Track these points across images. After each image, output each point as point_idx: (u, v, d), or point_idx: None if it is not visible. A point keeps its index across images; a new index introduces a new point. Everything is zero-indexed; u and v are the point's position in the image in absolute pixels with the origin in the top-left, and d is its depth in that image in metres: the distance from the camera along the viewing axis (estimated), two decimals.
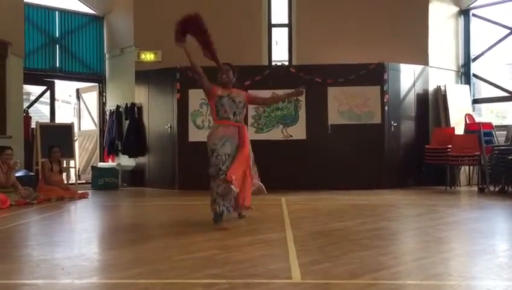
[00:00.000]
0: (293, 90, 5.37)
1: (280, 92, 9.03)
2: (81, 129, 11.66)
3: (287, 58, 10.27)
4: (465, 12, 10.47)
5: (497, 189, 8.16)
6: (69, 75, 11.04)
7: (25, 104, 10.15)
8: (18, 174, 7.88)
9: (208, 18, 10.27)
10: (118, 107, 10.42)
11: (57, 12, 10.76)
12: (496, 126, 9.41)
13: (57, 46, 10.79)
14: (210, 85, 5.18)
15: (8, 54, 8.59)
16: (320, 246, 3.98)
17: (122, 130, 10.30)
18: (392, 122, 9.17)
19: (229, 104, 5.06)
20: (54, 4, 10.80)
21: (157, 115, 9.76)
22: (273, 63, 10.04)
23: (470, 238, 4.47)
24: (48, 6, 10.66)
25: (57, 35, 10.78)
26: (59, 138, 9.12)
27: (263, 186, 5.49)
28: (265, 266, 3.30)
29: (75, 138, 10.55)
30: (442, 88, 9.85)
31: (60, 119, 12.19)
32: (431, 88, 9.85)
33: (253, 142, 9.52)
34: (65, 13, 10.87)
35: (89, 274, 3.21)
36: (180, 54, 9.18)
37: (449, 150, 8.85)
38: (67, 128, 9.79)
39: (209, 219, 4.97)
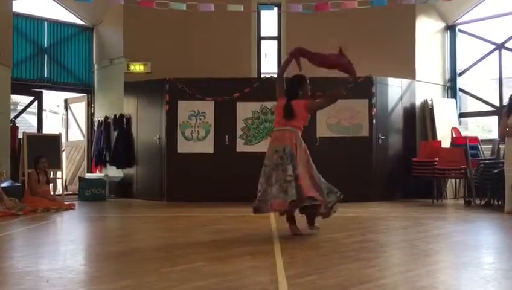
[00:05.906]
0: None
1: (269, 104, 9.17)
2: (69, 140, 11.59)
3: (276, 71, 10.33)
4: (451, 28, 10.65)
5: (483, 202, 8.22)
6: (57, 86, 11.01)
7: (12, 114, 10.06)
8: (4, 184, 7.81)
9: (199, 31, 10.36)
10: (106, 118, 10.39)
11: (46, 23, 10.75)
12: (481, 140, 9.52)
13: (46, 56, 10.77)
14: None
15: None
16: (308, 258, 3.99)
17: (110, 141, 10.25)
18: (380, 135, 9.24)
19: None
20: (43, 14, 10.79)
21: (146, 126, 9.74)
22: (262, 76, 10.10)
23: (456, 251, 4.50)
24: (37, 17, 10.64)
25: (46, 46, 10.76)
26: (46, 148, 9.04)
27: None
28: (252, 278, 3.30)
29: (63, 149, 10.48)
30: (429, 102, 9.97)
31: (47, 129, 12.10)
32: (418, 102, 9.97)
33: (242, 154, 9.51)
34: (54, 23, 10.86)
35: (74, 286, 3.18)
36: (169, 66, 9.10)
37: (436, 163, 8.93)
38: (55, 139, 9.73)
39: (196, 230, 4.94)
